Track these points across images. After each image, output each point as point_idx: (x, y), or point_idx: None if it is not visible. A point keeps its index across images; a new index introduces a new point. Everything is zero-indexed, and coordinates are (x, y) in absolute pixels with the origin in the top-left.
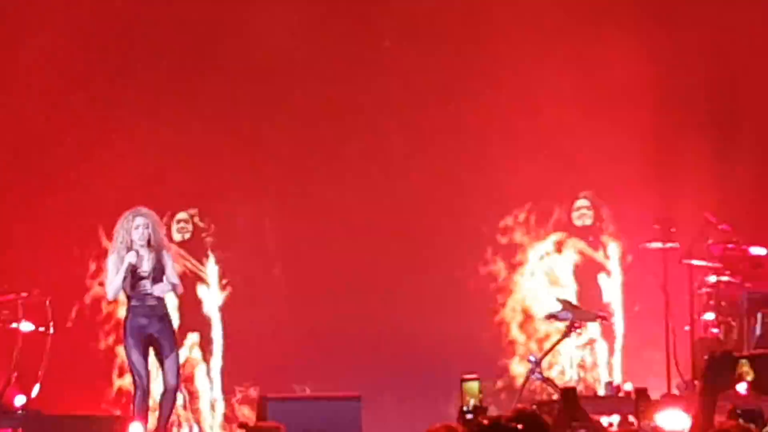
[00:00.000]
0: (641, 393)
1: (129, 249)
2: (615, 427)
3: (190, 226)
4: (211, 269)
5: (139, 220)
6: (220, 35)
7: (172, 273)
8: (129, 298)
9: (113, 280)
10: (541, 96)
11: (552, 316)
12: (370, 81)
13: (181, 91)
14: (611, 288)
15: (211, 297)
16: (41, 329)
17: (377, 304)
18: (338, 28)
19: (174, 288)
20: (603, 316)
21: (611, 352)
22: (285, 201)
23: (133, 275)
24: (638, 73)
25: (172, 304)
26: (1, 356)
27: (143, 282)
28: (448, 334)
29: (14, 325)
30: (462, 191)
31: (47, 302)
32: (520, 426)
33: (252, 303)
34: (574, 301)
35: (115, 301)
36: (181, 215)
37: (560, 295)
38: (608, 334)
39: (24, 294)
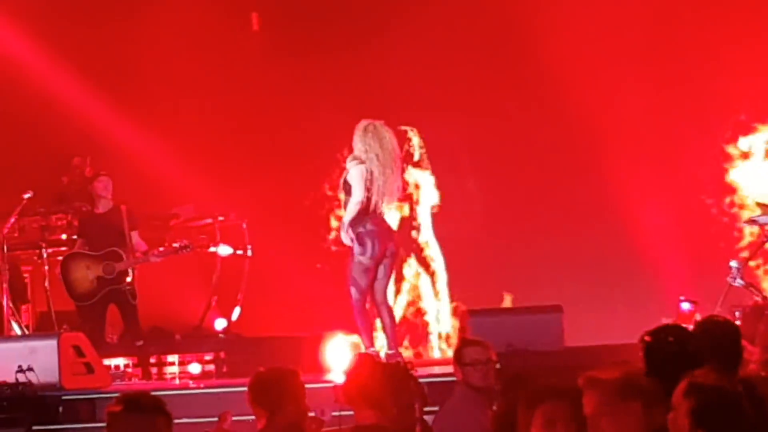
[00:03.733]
0: None
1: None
2: None
3: None
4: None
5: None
6: None
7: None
8: None
9: None
10: None
11: (752, 221)
12: None
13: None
14: None
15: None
16: (239, 252)
17: (581, 216)
18: None
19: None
20: None
21: None
22: (477, 116)
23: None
24: None
25: None
26: (200, 281)
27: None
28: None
29: (212, 249)
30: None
31: (244, 225)
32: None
33: (449, 218)
34: None
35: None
36: None
37: (760, 199)
38: None
39: (221, 218)
